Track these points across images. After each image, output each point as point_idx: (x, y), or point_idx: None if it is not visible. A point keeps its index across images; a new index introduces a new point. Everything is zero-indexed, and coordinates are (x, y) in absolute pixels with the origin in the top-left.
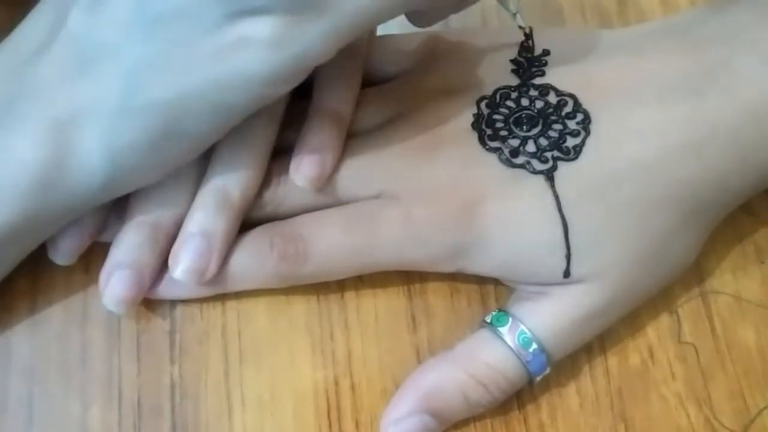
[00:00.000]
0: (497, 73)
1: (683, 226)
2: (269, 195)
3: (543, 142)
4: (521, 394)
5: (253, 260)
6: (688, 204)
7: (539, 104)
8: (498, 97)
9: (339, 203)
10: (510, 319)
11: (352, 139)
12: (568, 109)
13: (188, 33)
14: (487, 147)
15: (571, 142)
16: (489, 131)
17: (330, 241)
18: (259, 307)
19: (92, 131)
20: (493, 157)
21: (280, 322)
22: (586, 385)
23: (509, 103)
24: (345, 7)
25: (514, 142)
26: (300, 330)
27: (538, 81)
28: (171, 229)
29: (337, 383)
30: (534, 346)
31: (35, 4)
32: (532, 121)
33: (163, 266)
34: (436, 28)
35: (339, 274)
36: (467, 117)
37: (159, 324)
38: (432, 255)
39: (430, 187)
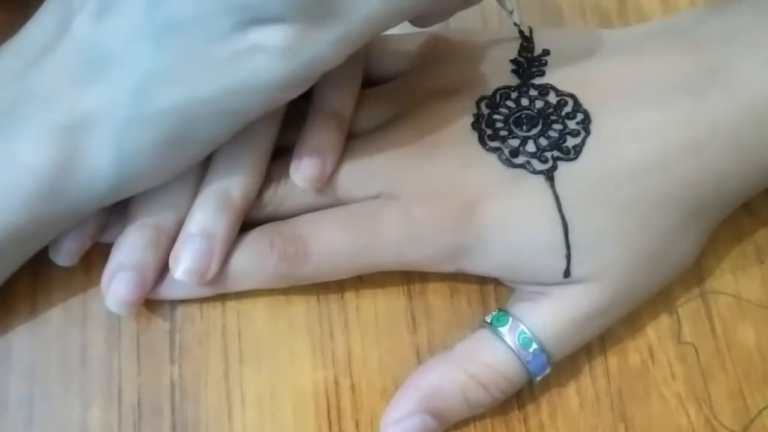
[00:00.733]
0: (497, 73)
1: (683, 226)
2: (269, 195)
3: (543, 142)
4: (521, 394)
5: (253, 260)
6: (689, 204)
7: (539, 104)
8: (498, 97)
9: (339, 203)
10: (510, 319)
11: (352, 139)
12: (568, 109)
13: (199, 41)
14: (487, 147)
15: (571, 142)
16: (489, 131)
17: (330, 242)
18: (259, 307)
19: (100, 137)
20: (493, 157)
21: (280, 322)
22: (586, 385)
23: (509, 103)
24: (355, 14)
25: (514, 142)
26: (300, 330)
27: (538, 81)
28: (173, 231)
29: (337, 383)
30: (534, 346)
31: (35, 8)
32: (532, 121)
33: (164, 267)
34: (436, 28)
35: (339, 274)
36: (467, 117)
37: (159, 324)
38: (432, 255)
39: (430, 187)
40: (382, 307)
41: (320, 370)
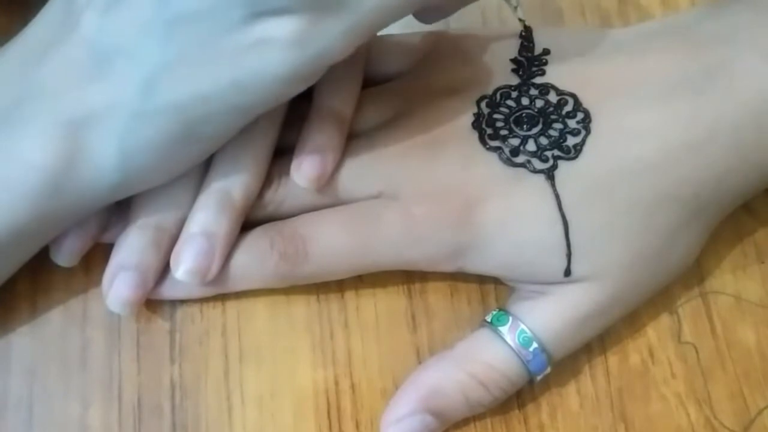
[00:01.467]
0: (497, 73)
1: (684, 225)
2: (270, 195)
3: (543, 141)
4: (521, 394)
5: (254, 260)
6: (689, 203)
7: (539, 103)
8: (498, 96)
9: (339, 203)
10: (510, 318)
11: (353, 139)
12: (569, 108)
13: (208, 34)
14: (488, 146)
15: (571, 141)
16: (489, 130)
17: (330, 241)
18: (259, 307)
19: (106, 133)
20: (493, 157)
21: (280, 321)
22: (586, 385)
23: (509, 102)
24: (364, 5)
25: (515, 142)
26: (300, 330)
27: (538, 80)
28: (174, 231)
29: (337, 383)
30: (534, 345)
31: (36, 10)
32: (533, 121)
33: (164, 267)
34: (437, 27)
35: (339, 273)
36: (467, 116)
37: (159, 324)
38: (432, 254)
39: (430, 186)
40: (382, 306)
41: (320, 370)
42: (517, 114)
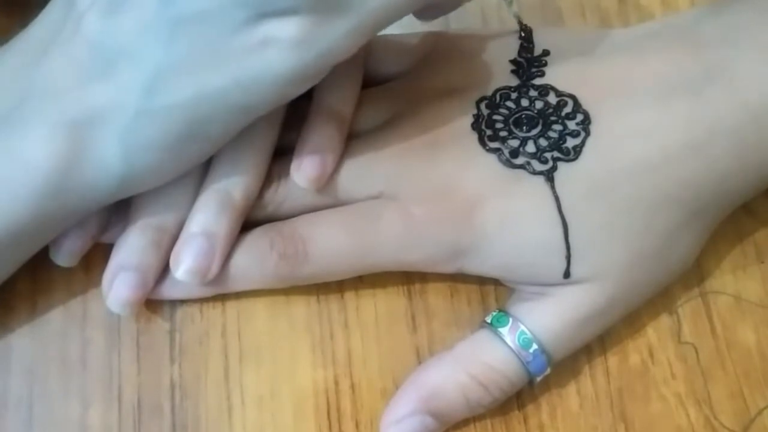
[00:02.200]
0: (497, 74)
1: (684, 226)
2: (270, 195)
3: (543, 142)
4: (521, 394)
5: (254, 260)
6: (689, 204)
7: (539, 105)
8: (498, 97)
9: (339, 203)
10: (510, 319)
11: (353, 139)
12: (568, 109)
13: (212, 35)
14: (487, 148)
15: (571, 142)
16: (489, 132)
17: (330, 242)
18: (259, 307)
19: (108, 134)
20: (492, 158)
21: (280, 322)
22: (586, 385)
23: (509, 103)
24: (367, 4)
25: (514, 143)
26: (300, 330)
27: (537, 81)
28: (174, 232)
29: (337, 383)
30: (534, 346)
31: (36, 10)
32: (532, 122)
33: (164, 267)
34: (436, 28)
35: (339, 274)
36: (467, 117)
37: (159, 324)
38: (432, 255)
39: (430, 187)
40: (382, 307)
41: (320, 370)
42: (517, 115)
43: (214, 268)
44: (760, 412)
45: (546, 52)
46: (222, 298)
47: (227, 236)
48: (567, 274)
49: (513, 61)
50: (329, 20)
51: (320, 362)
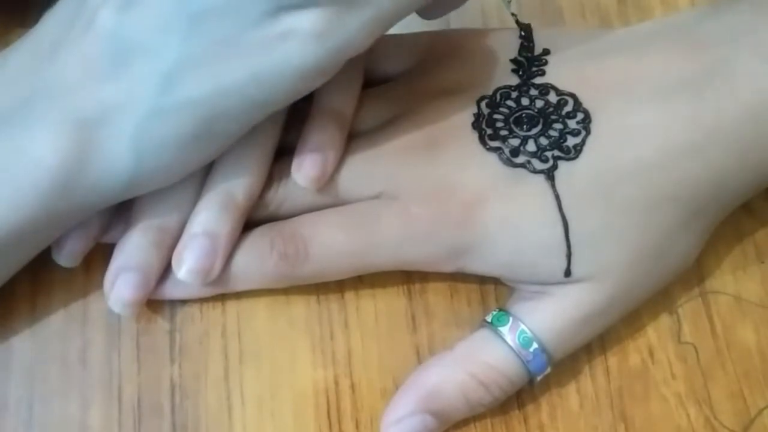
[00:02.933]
0: (497, 73)
1: (684, 225)
2: (270, 195)
3: (543, 141)
4: (521, 394)
5: (254, 260)
6: (689, 204)
7: (539, 103)
8: (498, 96)
9: (339, 203)
10: (510, 318)
11: (353, 139)
12: (569, 108)
13: (230, 29)
14: (488, 147)
15: (571, 141)
16: (489, 131)
17: (330, 241)
18: (259, 307)
19: (120, 131)
20: (493, 157)
21: (280, 322)
22: (586, 385)
23: (509, 102)
24: None
25: (515, 142)
26: (300, 330)
27: (538, 80)
28: (176, 232)
29: (337, 383)
30: (534, 345)
31: (36, 10)
32: (533, 121)
33: (165, 267)
34: (437, 27)
35: (339, 274)
36: (467, 117)
37: (159, 324)
38: (432, 255)
39: (430, 187)
40: (382, 307)
41: (320, 370)
42: (517, 114)
43: (216, 268)
44: (760, 412)
45: (546, 51)
46: (222, 298)
47: (229, 236)
48: (568, 273)
49: (513, 60)
50: (348, 12)
51: (320, 362)
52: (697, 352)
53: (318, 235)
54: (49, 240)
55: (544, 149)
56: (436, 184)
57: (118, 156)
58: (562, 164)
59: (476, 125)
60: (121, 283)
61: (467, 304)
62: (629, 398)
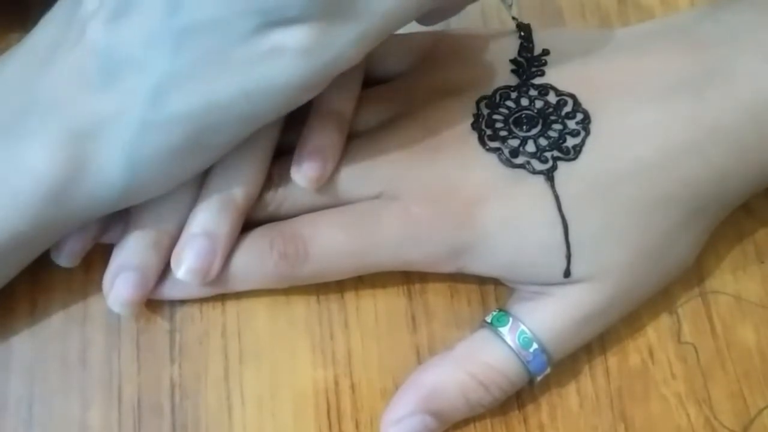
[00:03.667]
0: (497, 73)
1: (684, 225)
2: (270, 195)
3: (543, 142)
4: (521, 394)
5: (254, 260)
6: (689, 203)
7: (539, 104)
8: (498, 97)
9: (339, 203)
10: (510, 319)
11: (353, 139)
12: (568, 108)
13: (218, 45)
14: (487, 147)
15: (570, 141)
16: (489, 131)
17: (330, 242)
18: (259, 307)
19: (112, 144)
20: (493, 158)
21: (280, 322)
22: (586, 385)
23: (509, 103)
24: (373, 11)
25: (514, 142)
26: (300, 330)
27: (537, 81)
28: (175, 232)
29: (337, 383)
30: (534, 346)
31: (36, 13)
32: (532, 121)
33: (165, 267)
34: (437, 27)
35: (339, 274)
36: (467, 117)
37: (159, 324)
38: (432, 255)
39: (430, 187)
40: (382, 307)
41: (320, 370)
42: (517, 115)
43: (215, 268)
44: (760, 412)
45: (546, 52)
46: (222, 298)
47: (228, 236)
48: (567, 274)
49: (513, 61)
50: (337, 28)
51: (320, 362)
52: (697, 352)
53: (318, 236)
54: (45, 246)
55: (544, 150)
56: (436, 185)
57: (111, 167)
58: (561, 165)
59: (476, 126)
60: (120, 282)
61: (467, 304)
62: (629, 398)
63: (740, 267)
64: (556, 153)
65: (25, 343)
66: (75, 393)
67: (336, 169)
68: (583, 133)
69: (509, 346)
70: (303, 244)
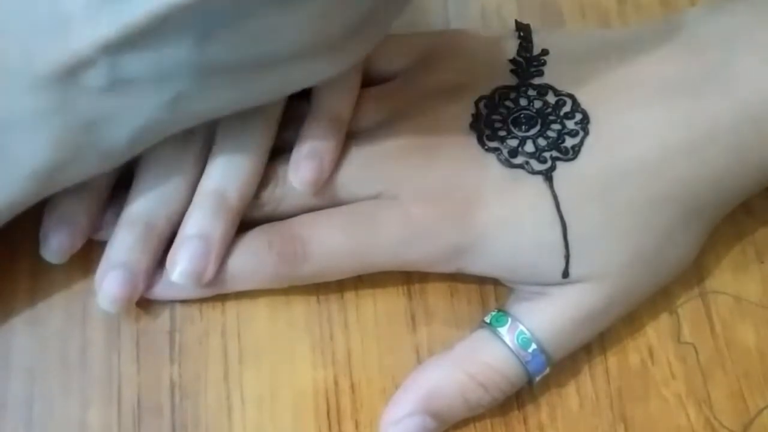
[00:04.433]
0: (496, 73)
1: (682, 225)
2: (268, 195)
3: (541, 142)
4: (521, 394)
5: (252, 261)
6: (687, 204)
7: (538, 104)
8: (497, 97)
9: (338, 203)
10: (509, 319)
11: (351, 139)
12: (567, 109)
13: None
14: (486, 147)
15: (569, 142)
16: (488, 131)
17: (329, 242)
18: (259, 307)
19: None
20: (491, 158)
21: (280, 322)
22: (585, 385)
23: (508, 103)
24: None
25: (513, 143)
26: (300, 330)
27: (536, 81)
28: (163, 228)
29: (336, 383)
30: (533, 346)
31: None
32: (531, 121)
33: (162, 266)
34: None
35: (338, 274)
36: (466, 117)
37: (159, 324)
38: (431, 255)
39: (428, 187)
40: (382, 307)
41: (320, 370)
42: (516, 115)
43: (210, 271)
44: (760, 412)
45: (545, 52)
46: (222, 298)
47: (223, 238)
48: (566, 274)
49: (512, 61)
50: None
51: (320, 362)
52: (696, 352)
53: (317, 236)
54: (54, 188)
55: (543, 150)
56: (435, 185)
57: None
58: (560, 165)
59: (475, 126)
60: (109, 280)
61: (467, 303)
62: (629, 398)
63: (740, 267)
64: (554, 153)
65: (25, 343)
66: (75, 393)
67: (335, 170)
68: (581, 134)
69: (508, 347)
70: (302, 245)
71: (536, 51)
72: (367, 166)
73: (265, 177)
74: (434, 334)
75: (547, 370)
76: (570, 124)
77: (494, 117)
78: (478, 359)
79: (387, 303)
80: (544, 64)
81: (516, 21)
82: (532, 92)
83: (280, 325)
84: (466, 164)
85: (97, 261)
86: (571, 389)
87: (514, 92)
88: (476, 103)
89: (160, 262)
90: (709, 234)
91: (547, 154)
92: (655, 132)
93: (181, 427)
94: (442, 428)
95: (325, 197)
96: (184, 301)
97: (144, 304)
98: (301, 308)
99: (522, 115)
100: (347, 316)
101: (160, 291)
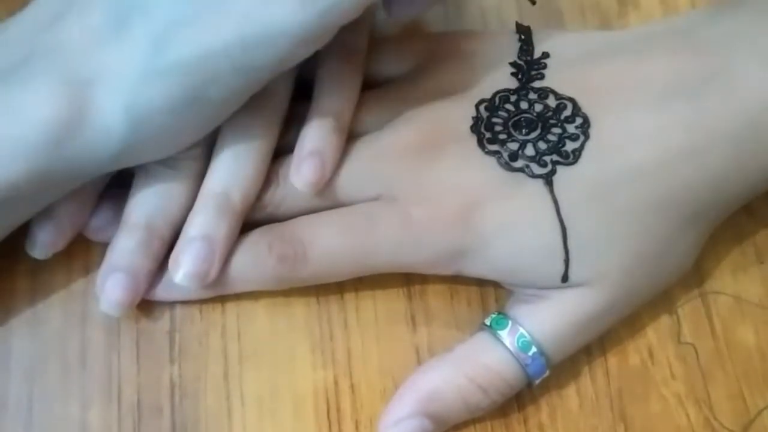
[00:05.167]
0: (496, 76)
1: (682, 230)
2: (268, 197)
3: (542, 145)
4: (521, 395)
5: (252, 263)
6: (687, 208)
7: (538, 108)
8: (497, 100)
9: (338, 205)
10: (509, 322)
11: (352, 141)
12: (567, 112)
13: None
14: (486, 150)
15: (570, 146)
16: (488, 134)
17: (328, 244)
18: (258, 308)
19: (113, 93)
20: (491, 161)
21: (279, 322)
22: (585, 386)
23: (508, 106)
24: None
25: (513, 146)
26: (300, 330)
27: (537, 84)
28: (165, 231)
29: (336, 383)
30: (533, 349)
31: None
32: (531, 125)
33: (162, 267)
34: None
35: (338, 276)
36: (466, 120)
37: (159, 324)
38: (430, 258)
39: (428, 189)
40: (382, 307)
41: (320, 371)
42: (516, 118)
43: (213, 272)
44: (760, 413)
45: (546, 55)
46: (222, 298)
47: (226, 240)
48: (565, 278)
49: (513, 64)
50: None
51: (320, 363)
52: (696, 352)
53: (316, 237)
54: (41, 205)
55: (543, 154)
56: (435, 187)
57: (111, 117)
58: (560, 169)
59: (475, 129)
60: (111, 284)
61: (467, 305)
62: (629, 399)
63: (740, 268)
64: (555, 157)
65: (24, 343)
66: (75, 393)
67: (335, 171)
68: (582, 138)
69: (508, 350)
70: (302, 246)
71: (537, 54)
72: (367, 169)
73: (266, 178)
74: (434, 335)
75: (547, 373)
76: (571, 128)
77: (494, 120)
78: (478, 362)
79: (387, 304)
80: (544, 67)
81: (517, 23)
82: (532, 95)
83: (280, 326)
84: (465, 167)
85: (98, 261)
86: (571, 390)
87: (514, 95)
88: (476, 106)
89: (161, 263)
90: (708, 237)
91: (547, 158)
92: (655, 136)
93: (181, 427)
94: (441, 430)
95: (325, 198)
96: (184, 302)
97: (144, 304)
98: (301, 309)
99: (522, 119)
100: (347, 316)
101: (161, 292)
